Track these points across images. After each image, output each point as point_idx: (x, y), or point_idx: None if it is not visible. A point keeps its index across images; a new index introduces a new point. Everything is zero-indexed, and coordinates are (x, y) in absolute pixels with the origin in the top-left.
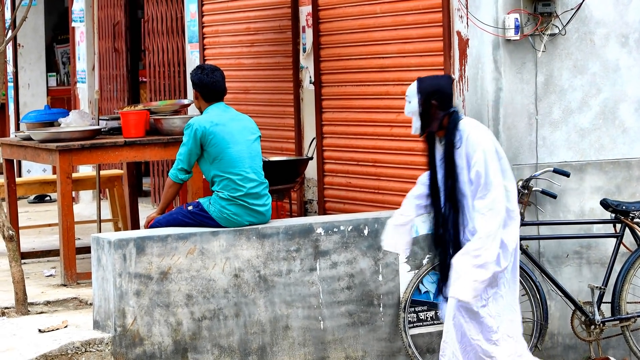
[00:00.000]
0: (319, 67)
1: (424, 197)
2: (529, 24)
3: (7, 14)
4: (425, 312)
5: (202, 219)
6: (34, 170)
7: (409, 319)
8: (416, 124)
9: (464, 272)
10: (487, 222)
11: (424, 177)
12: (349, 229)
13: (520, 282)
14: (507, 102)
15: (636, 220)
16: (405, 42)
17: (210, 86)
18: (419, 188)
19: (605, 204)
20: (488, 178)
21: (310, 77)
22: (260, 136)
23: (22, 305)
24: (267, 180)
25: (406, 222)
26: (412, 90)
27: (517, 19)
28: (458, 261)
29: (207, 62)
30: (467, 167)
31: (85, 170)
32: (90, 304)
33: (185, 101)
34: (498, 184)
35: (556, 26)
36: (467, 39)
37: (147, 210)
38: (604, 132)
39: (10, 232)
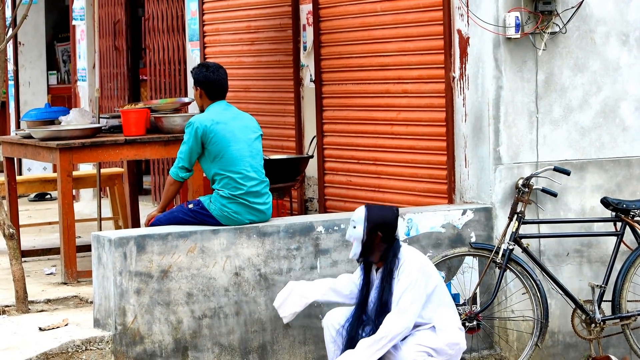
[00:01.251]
0: (319, 65)
1: (339, 293)
2: (529, 22)
3: (8, 12)
4: None
5: (202, 217)
6: (35, 169)
7: None
8: (356, 249)
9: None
10: (383, 327)
11: (345, 283)
12: None
13: (521, 280)
14: (508, 100)
15: (637, 218)
16: (406, 41)
17: (216, 84)
18: (340, 283)
19: (605, 202)
20: (402, 302)
21: (310, 75)
22: (261, 135)
23: (23, 303)
24: (267, 179)
25: (306, 300)
26: (359, 216)
27: (517, 17)
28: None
29: (207, 60)
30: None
31: (86, 169)
32: (91, 302)
33: (186, 99)
34: (411, 312)
35: (557, 24)
36: (468, 37)
37: (147, 208)
38: (605, 131)
39: (11, 230)
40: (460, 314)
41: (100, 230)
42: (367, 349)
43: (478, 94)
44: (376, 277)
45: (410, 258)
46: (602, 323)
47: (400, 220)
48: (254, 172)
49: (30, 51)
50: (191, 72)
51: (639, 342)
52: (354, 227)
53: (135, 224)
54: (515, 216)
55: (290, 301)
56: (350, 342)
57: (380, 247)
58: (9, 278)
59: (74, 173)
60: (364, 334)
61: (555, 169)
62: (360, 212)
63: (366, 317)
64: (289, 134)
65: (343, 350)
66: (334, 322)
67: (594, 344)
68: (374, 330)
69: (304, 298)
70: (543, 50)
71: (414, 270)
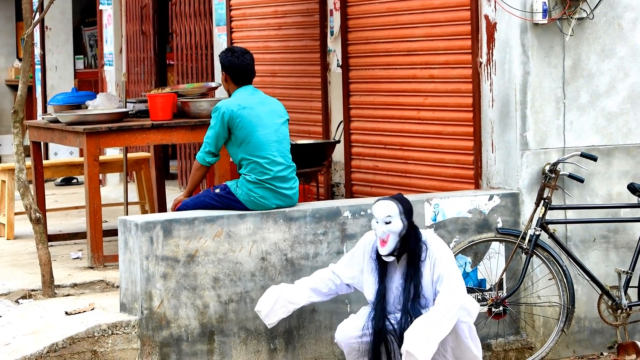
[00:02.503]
0: (346, 50)
1: (319, 292)
2: (556, 7)
3: None
4: None
5: (229, 202)
6: (61, 153)
7: None
8: (392, 244)
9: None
10: (450, 297)
11: (322, 281)
12: None
13: (547, 266)
14: (535, 86)
15: None
16: (433, 26)
17: (240, 69)
18: (317, 282)
19: (632, 188)
20: (453, 277)
21: (337, 60)
22: (288, 119)
23: (49, 287)
24: (294, 164)
25: (294, 306)
26: (393, 210)
27: (545, 2)
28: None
29: (233, 45)
30: (431, 275)
31: (113, 153)
32: (117, 287)
33: (213, 84)
34: (461, 282)
35: (584, 10)
36: (495, 23)
37: (174, 193)
38: (632, 117)
39: (37, 214)
40: (486, 300)
41: (127, 214)
42: (441, 318)
43: (505, 79)
44: (397, 266)
45: (434, 240)
46: (628, 309)
47: (427, 205)
48: (281, 157)
49: (57, 35)
50: (219, 56)
51: None
52: (388, 223)
53: (162, 208)
54: (542, 202)
55: (278, 308)
56: (378, 335)
57: (414, 234)
58: (35, 262)
59: (101, 157)
60: (394, 323)
61: (582, 155)
62: (392, 207)
63: (389, 309)
64: (316, 119)
65: (370, 357)
66: (348, 338)
67: (620, 330)
68: (405, 317)
69: (292, 304)
70: (570, 35)
71: (446, 249)
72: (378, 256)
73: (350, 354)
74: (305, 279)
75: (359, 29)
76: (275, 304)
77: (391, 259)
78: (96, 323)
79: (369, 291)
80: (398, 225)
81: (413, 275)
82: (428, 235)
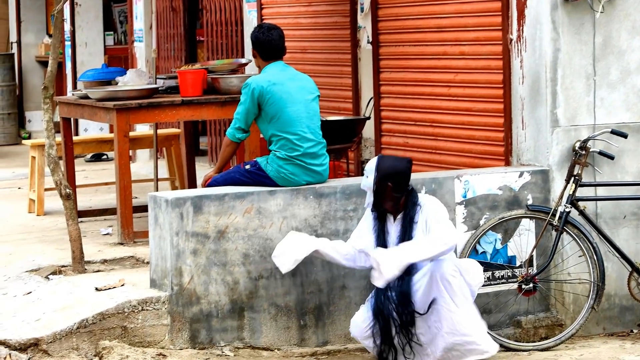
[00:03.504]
0: (376, 26)
1: (335, 251)
2: None
3: None
4: None
5: (259, 178)
6: (91, 129)
7: None
8: (369, 199)
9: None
10: (434, 235)
11: (343, 244)
12: None
13: (578, 243)
14: (565, 62)
15: None
16: (463, 2)
17: (266, 44)
18: (338, 242)
19: None
20: (440, 223)
21: (367, 37)
22: (318, 96)
23: (79, 263)
24: (324, 140)
25: (309, 247)
26: (370, 166)
27: None
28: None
29: (264, 22)
30: (424, 235)
31: (143, 129)
32: (147, 263)
33: (243, 60)
34: (450, 227)
35: None
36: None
37: (204, 169)
38: None
39: (68, 190)
40: (516, 276)
41: (157, 190)
42: (417, 245)
43: (535, 56)
44: (394, 225)
45: (430, 201)
46: None
47: (457, 182)
48: (311, 133)
49: (87, 12)
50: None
51: None
52: (366, 177)
53: (192, 184)
54: (572, 179)
55: (294, 248)
56: (380, 316)
57: (391, 197)
58: (65, 238)
59: (131, 134)
60: (392, 287)
61: (613, 132)
62: (372, 162)
63: None
64: (346, 95)
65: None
66: (360, 331)
67: None
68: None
69: (308, 245)
70: (601, 12)
71: (438, 205)
72: (377, 216)
73: (367, 344)
74: (325, 239)
75: (389, 5)
76: (292, 245)
77: (372, 210)
78: (126, 299)
79: (361, 241)
80: (370, 181)
81: (404, 237)
82: (424, 198)
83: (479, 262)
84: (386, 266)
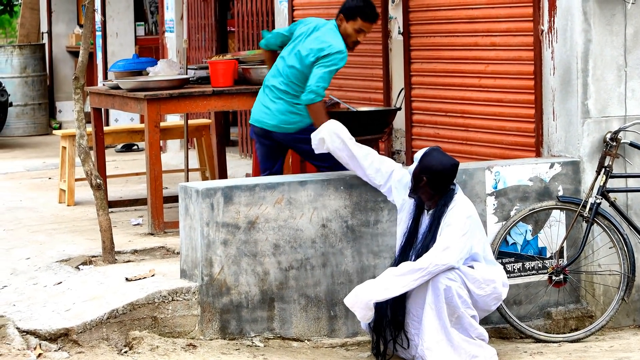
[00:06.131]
0: (407, 17)
1: (364, 158)
2: None
3: None
4: (512, 264)
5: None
6: (122, 119)
7: None
8: (410, 185)
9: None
10: (432, 257)
11: (379, 162)
12: None
13: (608, 234)
14: (597, 54)
15: None
16: None
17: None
18: (374, 155)
19: None
20: (443, 237)
21: (399, 28)
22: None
23: (109, 253)
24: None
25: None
26: (418, 154)
27: None
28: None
29: (295, 12)
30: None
31: (173, 120)
32: (177, 253)
33: None
34: (455, 250)
35: None
36: None
37: (234, 159)
38: None
39: (98, 180)
40: (547, 268)
41: (188, 181)
42: (402, 276)
43: (567, 47)
44: (426, 219)
45: (459, 206)
46: None
47: (487, 173)
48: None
49: (118, 2)
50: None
51: None
52: (414, 164)
53: (222, 175)
54: (603, 170)
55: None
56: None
57: (426, 192)
58: (95, 228)
59: (162, 124)
60: None
61: None
62: (421, 151)
63: (412, 253)
64: (377, 86)
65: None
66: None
67: None
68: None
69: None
70: (632, 3)
71: (462, 216)
72: (417, 203)
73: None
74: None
75: None
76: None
77: (409, 197)
78: (156, 289)
79: (400, 228)
80: (411, 168)
81: (429, 233)
82: (456, 204)
83: (509, 253)
84: (348, 299)
